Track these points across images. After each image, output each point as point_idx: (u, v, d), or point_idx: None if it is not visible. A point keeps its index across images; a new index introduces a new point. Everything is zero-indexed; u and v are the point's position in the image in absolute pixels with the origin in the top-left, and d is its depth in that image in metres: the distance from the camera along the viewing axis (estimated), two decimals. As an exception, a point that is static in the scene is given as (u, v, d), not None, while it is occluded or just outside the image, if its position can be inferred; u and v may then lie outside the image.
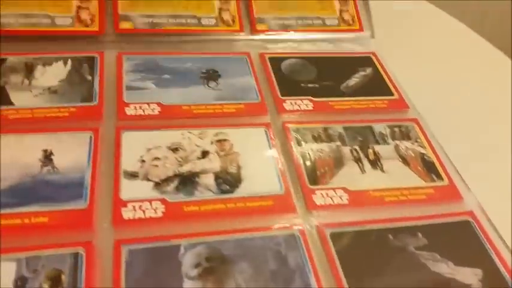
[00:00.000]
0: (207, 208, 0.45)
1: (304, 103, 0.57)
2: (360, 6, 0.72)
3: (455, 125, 0.62)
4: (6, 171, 0.44)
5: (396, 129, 0.57)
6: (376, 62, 0.67)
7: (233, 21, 0.65)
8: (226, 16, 0.65)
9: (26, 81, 0.53)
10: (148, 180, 0.46)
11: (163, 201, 0.44)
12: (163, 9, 0.63)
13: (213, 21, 0.65)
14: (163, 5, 0.64)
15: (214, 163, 0.49)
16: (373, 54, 0.68)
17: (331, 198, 0.48)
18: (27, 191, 0.43)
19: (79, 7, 0.60)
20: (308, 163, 0.51)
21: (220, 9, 0.66)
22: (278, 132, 0.54)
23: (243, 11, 0.67)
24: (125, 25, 0.61)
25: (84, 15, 0.60)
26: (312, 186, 0.49)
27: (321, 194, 0.48)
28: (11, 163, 0.44)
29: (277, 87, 0.59)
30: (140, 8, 0.63)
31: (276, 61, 0.63)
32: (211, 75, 0.59)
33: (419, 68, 0.71)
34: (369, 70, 0.65)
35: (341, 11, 0.70)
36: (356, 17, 0.71)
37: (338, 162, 0.52)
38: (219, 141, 0.51)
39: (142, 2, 0.63)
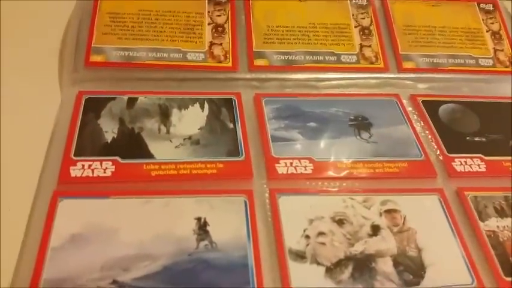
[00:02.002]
0: (395, 306, 0.37)
1: (476, 163, 0.49)
2: (516, 45, 0.62)
3: None
4: (158, 246, 0.37)
5: None
6: (541, 111, 0.57)
7: (376, 58, 0.57)
8: (368, 53, 0.57)
9: (164, 128, 0.46)
10: (318, 263, 0.38)
11: (341, 294, 0.37)
12: (299, 46, 0.56)
13: (354, 58, 0.57)
14: (300, 42, 0.56)
15: (389, 243, 0.41)
16: (535, 100, 0.58)
17: (535, 296, 0.39)
18: (186, 274, 0.36)
19: (212, 43, 0.54)
20: (497, 246, 0.42)
21: (361, 45, 0.58)
22: (453, 201, 0.45)
23: (387, 47, 0.59)
24: (260, 62, 0.54)
25: (217, 51, 0.53)
26: (508, 279, 0.40)
27: (521, 289, 0.40)
28: (161, 236, 0.38)
29: (440, 141, 0.50)
30: (275, 45, 0.55)
31: (432, 106, 0.54)
32: (361, 124, 0.51)
33: None
34: (536, 122, 0.55)
35: (495, 50, 0.61)
36: (513, 58, 0.61)
37: (531, 245, 0.43)
38: (388, 211, 0.43)
39: (277, 38, 0.56)
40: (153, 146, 0.44)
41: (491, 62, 0.60)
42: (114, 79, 0.51)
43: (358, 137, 0.50)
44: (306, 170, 0.45)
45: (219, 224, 0.39)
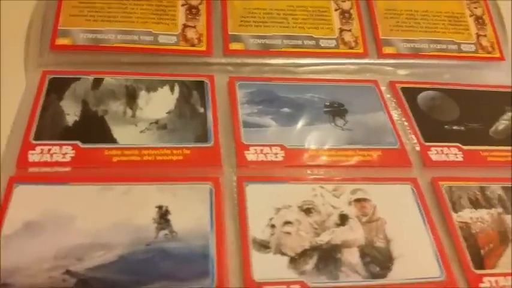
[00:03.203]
0: (359, 299, 0.36)
1: (453, 152, 0.47)
2: (499, 30, 0.61)
3: None
4: (115, 235, 0.36)
5: (562, 192, 0.47)
6: (524, 99, 0.56)
7: (356, 42, 0.55)
8: (347, 37, 0.55)
9: (129, 111, 0.45)
10: (282, 253, 0.37)
11: (303, 285, 0.36)
12: (277, 30, 0.54)
13: (333, 42, 0.55)
14: (278, 25, 0.54)
15: (356, 233, 0.40)
16: (519, 88, 0.57)
17: (503, 289, 0.38)
18: (142, 264, 0.35)
19: (185, 25, 0.52)
20: (469, 238, 0.41)
21: (341, 30, 0.56)
22: (427, 191, 0.44)
23: (367, 31, 0.57)
24: (235, 46, 0.52)
25: (191, 34, 0.51)
26: (477, 271, 0.39)
27: (489, 282, 0.39)
28: (119, 224, 0.36)
29: (418, 129, 0.49)
30: (252, 29, 0.53)
31: (410, 93, 0.52)
32: (337, 110, 0.50)
33: None
34: (517, 110, 0.54)
35: (478, 36, 0.59)
36: (496, 44, 0.59)
37: (503, 237, 0.42)
38: (358, 201, 0.42)
39: (254, 21, 0.54)
40: (117, 130, 0.42)
41: (473, 47, 0.58)
42: (81, 63, 0.49)
43: (332, 124, 0.48)
44: (276, 157, 0.44)
45: (182, 213, 0.38)
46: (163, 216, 0.37)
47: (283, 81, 0.52)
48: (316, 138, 0.46)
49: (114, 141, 0.42)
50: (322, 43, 0.55)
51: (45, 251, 0.34)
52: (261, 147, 0.44)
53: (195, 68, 0.51)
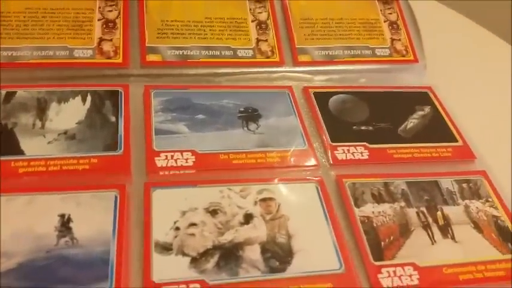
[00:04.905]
0: (255, 293, 0.37)
1: (359, 151, 0.50)
2: (413, 34, 0.64)
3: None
4: (15, 243, 0.36)
5: (465, 186, 0.49)
6: (434, 99, 0.59)
7: (272, 52, 0.58)
8: (264, 47, 0.58)
9: (38, 123, 0.45)
10: (184, 254, 0.38)
11: (202, 283, 0.37)
12: (195, 41, 0.56)
13: (250, 52, 0.57)
14: (195, 37, 0.56)
15: (259, 230, 0.41)
16: (430, 89, 0.60)
17: (400, 278, 0.40)
18: (42, 271, 0.35)
19: (101, 39, 0.53)
20: (370, 231, 0.43)
21: (257, 40, 0.58)
22: (331, 189, 0.46)
23: (283, 40, 0.59)
24: (152, 57, 0.54)
25: (107, 47, 0.53)
26: (376, 263, 0.41)
27: (388, 272, 0.41)
28: (20, 233, 0.37)
29: (326, 131, 0.51)
30: (170, 40, 0.55)
31: (322, 97, 0.55)
32: (250, 116, 0.51)
33: (478, 102, 0.62)
34: (427, 109, 0.57)
35: (392, 40, 0.63)
36: (410, 47, 0.63)
37: (404, 230, 0.44)
38: (263, 200, 0.44)
39: (171, 33, 0.55)
40: (25, 142, 0.43)
41: (387, 51, 0.62)
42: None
43: (245, 129, 0.50)
44: (187, 162, 0.45)
45: (84, 220, 0.38)
46: (64, 224, 0.38)
47: (200, 89, 0.53)
48: (227, 142, 0.48)
49: (21, 152, 0.42)
50: (240, 53, 0.57)
51: None
52: (172, 153, 0.46)
53: (111, 80, 0.52)
